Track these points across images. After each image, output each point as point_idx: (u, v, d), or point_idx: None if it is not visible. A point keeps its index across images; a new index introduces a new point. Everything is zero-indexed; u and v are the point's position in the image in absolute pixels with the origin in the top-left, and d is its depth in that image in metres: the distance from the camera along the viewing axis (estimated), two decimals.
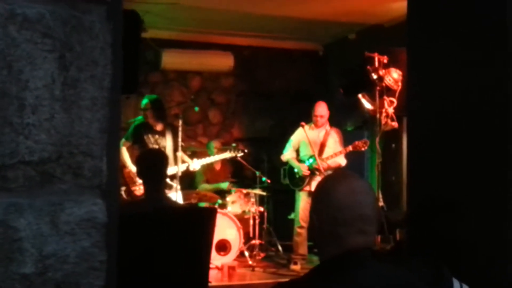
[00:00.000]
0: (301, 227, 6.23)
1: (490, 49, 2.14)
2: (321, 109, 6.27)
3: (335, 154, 6.23)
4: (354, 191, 1.53)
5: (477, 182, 2.12)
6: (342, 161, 6.27)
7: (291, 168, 6.40)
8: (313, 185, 6.20)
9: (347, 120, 7.04)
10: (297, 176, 6.32)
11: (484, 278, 1.90)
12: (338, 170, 6.12)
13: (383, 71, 5.28)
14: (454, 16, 2.30)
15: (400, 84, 5.33)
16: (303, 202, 6.27)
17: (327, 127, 6.38)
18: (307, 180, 6.23)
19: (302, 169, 6.23)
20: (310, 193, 6.23)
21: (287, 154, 6.44)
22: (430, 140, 2.40)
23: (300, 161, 6.36)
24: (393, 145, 6.57)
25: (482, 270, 1.92)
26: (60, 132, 1.13)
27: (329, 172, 6.16)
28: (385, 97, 5.31)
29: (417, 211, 2.04)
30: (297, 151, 6.47)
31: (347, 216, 1.49)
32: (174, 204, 3.96)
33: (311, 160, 6.28)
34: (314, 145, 6.27)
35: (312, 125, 6.35)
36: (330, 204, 1.52)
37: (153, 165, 3.46)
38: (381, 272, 1.45)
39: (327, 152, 6.28)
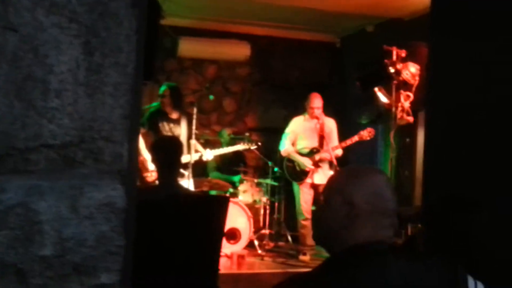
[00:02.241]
0: (305, 219, 6.23)
1: None
2: (317, 101, 6.22)
3: (340, 145, 6.21)
4: (390, 184, 1.54)
5: (495, 180, 2.10)
6: (338, 152, 6.26)
7: (291, 161, 6.37)
8: (315, 178, 6.20)
9: (362, 113, 7.01)
10: (299, 169, 6.30)
11: (500, 277, 1.89)
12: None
13: (401, 65, 5.25)
14: (480, 11, 2.27)
15: (417, 78, 5.30)
16: (305, 194, 6.25)
17: (323, 117, 6.34)
18: (310, 174, 6.22)
19: (306, 163, 6.21)
20: (312, 185, 6.23)
21: (288, 148, 6.40)
22: (448, 136, 2.38)
23: (301, 154, 6.34)
24: (408, 140, 6.53)
25: (498, 269, 1.92)
26: (82, 117, 1.14)
27: (327, 163, 6.18)
28: (401, 91, 5.28)
29: (434, 207, 2.03)
30: (294, 143, 6.44)
31: (387, 206, 1.49)
32: (187, 191, 3.97)
33: (312, 152, 6.26)
34: (312, 137, 6.26)
35: (307, 116, 6.32)
36: (374, 192, 1.48)
37: (168, 152, 3.47)
38: (398, 267, 1.45)
39: (326, 142, 6.26)
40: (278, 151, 7.09)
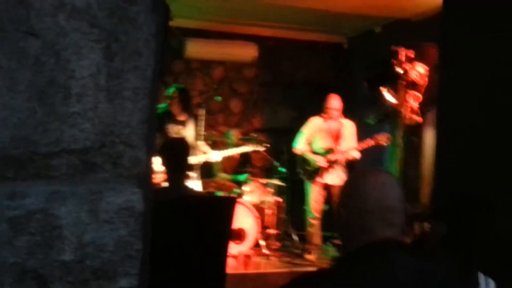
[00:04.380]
0: (314, 218, 6.23)
1: None
2: (334, 102, 6.20)
3: (355, 148, 6.19)
4: (383, 184, 1.55)
5: (506, 179, 2.10)
6: (356, 154, 6.22)
7: (304, 159, 6.36)
8: (327, 178, 6.20)
9: (370, 113, 7.00)
10: (310, 168, 6.29)
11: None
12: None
13: (409, 65, 5.24)
14: (490, 12, 2.27)
15: (425, 79, 5.29)
16: (315, 193, 6.24)
17: (341, 119, 6.32)
18: (321, 173, 6.21)
19: (318, 161, 6.20)
20: (323, 185, 6.22)
21: (301, 147, 6.39)
22: (459, 135, 2.38)
23: (315, 153, 6.32)
24: (415, 140, 6.51)
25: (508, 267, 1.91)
26: (103, 122, 1.14)
27: (341, 165, 6.16)
28: (409, 91, 5.28)
29: (448, 206, 2.03)
30: (309, 143, 6.42)
31: (376, 208, 1.51)
32: (194, 193, 3.98)
33: (327, 153, 6.25)
34: (328, 137, 6.24)
35: (326, 117, 6.30)
36: (359, 196, 1.54)
37: (176, 154, 3.48)
38: (408, 263, 1.46)
39: (342, 144, 6.25)
40: (285, 152, 7.08)
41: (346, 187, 1.65)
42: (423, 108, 5.38)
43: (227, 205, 3.48)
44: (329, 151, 6.25)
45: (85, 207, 1.14)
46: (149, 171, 1.32)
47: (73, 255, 1.12)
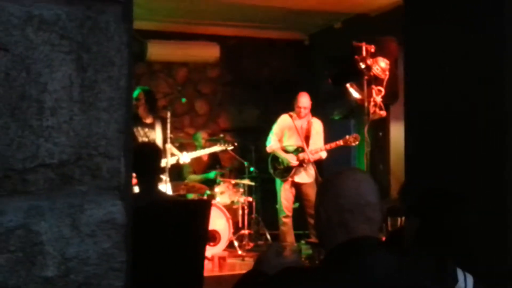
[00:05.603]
0: (286, 216, 6.26)
1: (487, 38, 2.16)
2: (304, 100, 6.26)
3: (324, 148, 6.25)
4: (359, 181, 1.57)
5: (475, 173, 2.15)
6: (323, 154, 6.28)
7: (275, 158, 6.39)
8: (297, 177, 6.23)
9: (334, 109, 7.05)
10: (282, 166, 6.31)
11: (484, 267, 1.93)
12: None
13: (371, 60, 5.30)
14: (451, 4, 2.32)
15: (387, 73, 5.37)
16: (286, 192, 6.28)
17: (310, 117, 6.37)
18: (293, 171, 6.24)
19: (290, 160, 6.23)
20: (293, 183, 6.25)
21: (273, 145, 6.41)
22: (428, 129, 2.42)
23: (286, 151, 6.35)
24: (380, 134, 6.61)
25: (483, 260, 1.95)
26: (78, 134, 1.13)
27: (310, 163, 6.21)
28: (373, 86, 5.34)
29: (423, 202, 2.06)
30: (280, 141, 6.45)
31: (354, 204, 1.53)
32: (168, 197, 3.95)
33: (298, 151, 6.28)
34: (298, 136, 6.29)
35: (295, 116, 6.34)
36: (337, 194, 1.55)
37: (147, 159, 3.44)
38: (388, 261, 1.48)
39: (311, 143, 6.29)
40: (252, 151, 7.10)
41: (324, 186, 1.67)
42: (386, 102, 5.46)
43: (203, 208, 3.47)
44: (299, 149, 6.29)
45: (65, 221, 1.12)
46: (129, 182, 1.31)
47: (56, 270, 1.10)
